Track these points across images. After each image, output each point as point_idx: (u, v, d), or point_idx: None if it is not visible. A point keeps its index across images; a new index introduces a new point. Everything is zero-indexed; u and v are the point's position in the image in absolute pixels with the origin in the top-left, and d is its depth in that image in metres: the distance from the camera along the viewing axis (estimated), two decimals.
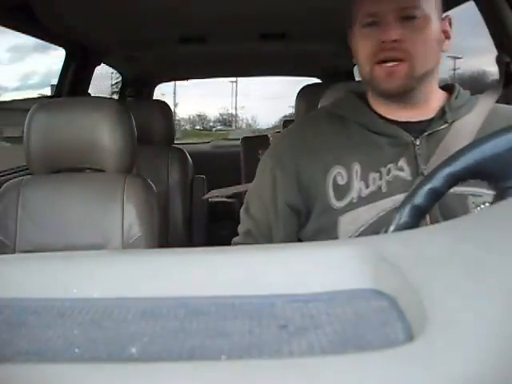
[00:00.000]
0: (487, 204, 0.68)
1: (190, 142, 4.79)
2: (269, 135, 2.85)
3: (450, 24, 0.76)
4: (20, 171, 1.72)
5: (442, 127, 0.74)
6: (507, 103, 0.86)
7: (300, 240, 0.80)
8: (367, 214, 0.71)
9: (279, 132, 3.17)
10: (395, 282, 0.25)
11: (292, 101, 2.06)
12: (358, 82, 1.18)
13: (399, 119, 0.76)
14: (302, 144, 0.78)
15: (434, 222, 0.66)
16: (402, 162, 0.73)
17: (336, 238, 0.72)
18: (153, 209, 1.25)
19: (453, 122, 0.74)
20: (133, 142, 1.26)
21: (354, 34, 0.77)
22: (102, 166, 1.26)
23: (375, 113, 0.77)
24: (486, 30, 1.24)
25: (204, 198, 1.99)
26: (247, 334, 0.23)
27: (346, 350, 0.21)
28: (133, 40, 2.06)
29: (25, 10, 1.50)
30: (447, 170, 0.48)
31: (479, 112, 0.75)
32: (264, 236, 0.80)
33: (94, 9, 1.58)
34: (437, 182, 0.48)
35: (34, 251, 1.15)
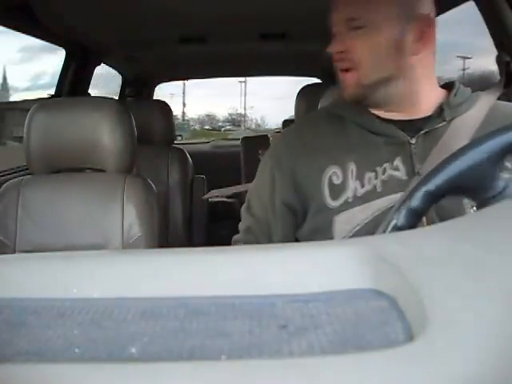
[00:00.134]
0: None
1: (191, 142, 4.79)
2: (269, 135, 2.85)
3: (431, 25, 0.74)
4: (20, 171, 1.72)
5: (440, 125, 0.74)
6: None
7: (297, 240, 0.80)
8: (362, 213, 0.71)
9: (279, 132, 3.17)
10: (395, 282, 0.25)
11: None
12: None
13: (396, 118, 0.76)
14: (300, 144, 0.78)
15: (430, 223, 0.66)
16: (397, 162, 0.73)
17: (331, 237, 0.72)
18: (153, 209, 1.25)
19: (452, 119, 0.74)
20: (133, 142, 1.26)
21: None
22: (102, 165, 1.26)
23: (373, 113, 0.77)
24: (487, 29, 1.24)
25: (204, 197, 1.99)
26: (247, 333, 0.23)
27: (346, 350, 0.21)
28: (133, 40, 2.06)
29: (25, 10, 1.50)
30: (424, 189, 0.48)
31: (479, 109, 0.74)
32: (264, 234, 0.80)
33: (94, 9, 1.58)
34: (416, 201, 0.48)
35: (33, 251, 1.15)
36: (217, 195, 2.03)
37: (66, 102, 1.37)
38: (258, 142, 2.67)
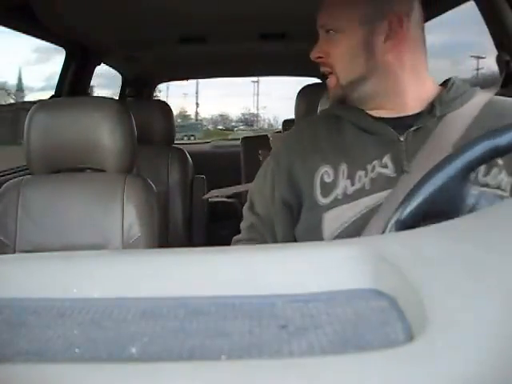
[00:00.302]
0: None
1: (193, 142, 4.79)
2: (269, 135, 2.85)
3: (403, 25, 0.73)
4: (20, 171, 1.72)
5: (431, 122, 0.74)
6: None
7: (295, 238, 0.81)
8: (351, 211, 0.72)
9: (279, 132, 3.17)
10: (395, 282, 0.25)
11: None
12: None
13: (387, 116, 0.77)
14: (299, 146, 0.80)
15: None
16: (386, 159, 0.73)
17: (321, 235, 0.73)
18: (153, 209, 1.26)
19: (444, 115, 0.74)
20: (133, 142, 1.26)
21: None
22: (102, 165, 1.26)
23: (367, 112, 0.78)
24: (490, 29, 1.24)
25: (204, 197, 1.99)
26: (247, 333, 0.23)
27: (346, 350, 0.21)
28: (133, 40, 2.06)
29: (25, 9, 1.50)
30: (394, 219, 0.48)
31: (473, 105, 0.74)
32: (268, 230, 0.81)
33: (94, 9, 1.58)
34: (389, 231, 0.48)
35: (33, 251, 1.15)
36: (217, 195, 2.03)
37: (66, 102, 1.37)
38: (258, 141, 2.67)
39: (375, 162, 0.73)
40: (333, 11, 0.77)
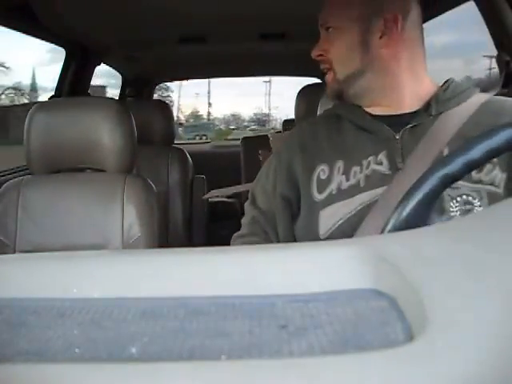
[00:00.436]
0: (464, 197, 0.69)
1: (193, 141, 4.80)
2: (269, 135, 2.85)
3: (398, 23, 0.75)
4: (20, 171, 1.72)
5: (427, 120, 0.74)
6: None
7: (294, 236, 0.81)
8: (346, 207, 0.73)
9: (279, 132, 3.17)
10: (395, 282, 0.25)
11: None
12: None
13: (385, 114, 0.77)
14: (299, 147, 0.81)
15: None
16: (381, 156, 0.74)
17: (317, 232, 0.74)
18: (153, 209, 1.26)
19: (440, 114, 0.74)
20: (133, 142, 1.26)
21: None
22: (102, 166, 1.26)
23: (365, 110, 0.79)
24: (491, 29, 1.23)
25: (204, 197, 1.99)
26: (247, 333, 0.23)
27: (346, 350, 0.21)
28: (133, 40, 2.06)
29: (25, 9, 1.50)
30: (394, 218, 0.47)
31: (470, 104, 0.75)
32: (269, 223, 0.82)
33: (94, 9, 1.58)
34: None
35: (33, 251, 1.15)
36: (217, 195, 2.04)
37: (66, 102, 1.37)
38: (258, 142, 2.67)
39: (371, 158, 0.74)
40: (332, 10, 0.79)
